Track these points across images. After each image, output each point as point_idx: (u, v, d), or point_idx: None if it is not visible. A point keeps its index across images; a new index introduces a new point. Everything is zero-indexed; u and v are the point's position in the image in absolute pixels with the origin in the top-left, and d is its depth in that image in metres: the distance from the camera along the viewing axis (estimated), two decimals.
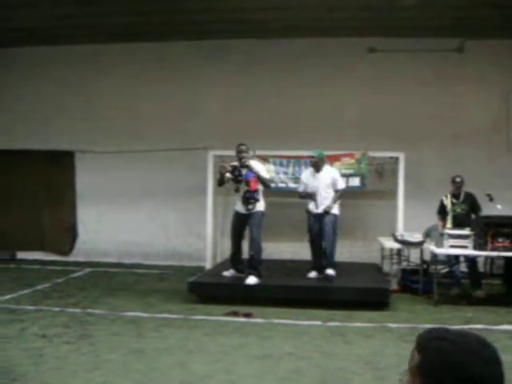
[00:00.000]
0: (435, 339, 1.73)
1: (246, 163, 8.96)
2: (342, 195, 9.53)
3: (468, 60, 12.06)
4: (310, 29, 11.73)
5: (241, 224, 9.22)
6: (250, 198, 8.99)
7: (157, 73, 12.76)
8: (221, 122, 12.49)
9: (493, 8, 10.21)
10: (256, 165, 9.17)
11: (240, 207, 9.15)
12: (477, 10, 10.30)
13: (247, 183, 9.00)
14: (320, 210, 9.33)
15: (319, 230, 9.40)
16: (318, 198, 9.34)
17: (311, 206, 9.47)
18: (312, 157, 9.49)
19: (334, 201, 9.34)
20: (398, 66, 12.16)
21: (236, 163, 9.11)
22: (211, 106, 12.70)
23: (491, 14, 10.58)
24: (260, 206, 9.09)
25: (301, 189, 9.66)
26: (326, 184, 9.38)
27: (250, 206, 9.00)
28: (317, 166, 9.46)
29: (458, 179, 9.83)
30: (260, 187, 9.09)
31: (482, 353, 1.62)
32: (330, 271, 9.32)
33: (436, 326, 1.85)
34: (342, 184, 9.56)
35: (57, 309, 8.31)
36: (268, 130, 12.09)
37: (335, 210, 9.39)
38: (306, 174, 9.76)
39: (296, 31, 11.91)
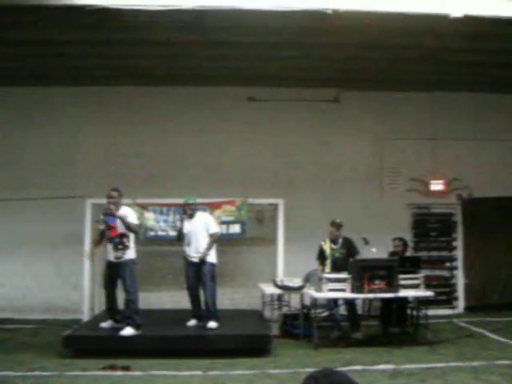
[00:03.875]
0: (309, 377, 1.75)
1: (110, 208, 8.84)
2: (217, 240, 9.49)
3: (344, 110, 12.58)
4: (191, 77, 11.80)
5: (112, 273, 8.99)
6: (118, 244, 8.85)
7: (32, 118, 12.26)
8: (100, 170, 12.18)
9: (365, 61, 10.70)
10: (127, 211, 9.06)
11: (110, 255, 8.97)
12: (350, 63, 10.75)
13: (109, 228, 8.88)
14: (196, 259, 9.27)
15: (195, 278, 9.34)
16: (193, 244, 9.32)
17: (187, 253, 9.39)
18: (187, 204, 9.43)
19: (209, 247, 9.28)
20: (277, 115, 12.48)
21: (107, 211, 9.03)
22: (90, 153, 12.39)
23: (363, 67, 11.08)
24: (130, 253, 8.93)
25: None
26: (199, 229, 9.36)
27: (119, 254, 8.83)
28: (190, 212, 9.44)
29: (338, 220, 10.20)
30: (129, 235, 8.95)
31: None
32: (212, 324, 9.15)
33: (318, 369, 1.86)
34: (214, 228, 9.51)
35: None
36: (148, 177, 11.95)
37: (212, 259, 9.35)
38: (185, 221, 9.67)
39: (178, 79, 11.94)
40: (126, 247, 8.86)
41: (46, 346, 9.29)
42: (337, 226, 10.21)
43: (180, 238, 9.56)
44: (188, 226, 9.44)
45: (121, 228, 8.87)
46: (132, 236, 9.00)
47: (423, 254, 12.28)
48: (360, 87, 12.35)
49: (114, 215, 8.83)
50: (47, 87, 12.12)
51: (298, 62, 10.76)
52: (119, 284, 9.04)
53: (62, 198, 11.77)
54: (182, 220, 9.58)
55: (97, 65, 10.97)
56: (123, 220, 8.82)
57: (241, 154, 12.43)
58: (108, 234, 8.95)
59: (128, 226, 8.89)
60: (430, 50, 10.01)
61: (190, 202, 9.47)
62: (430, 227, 12.94)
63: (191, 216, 9.46)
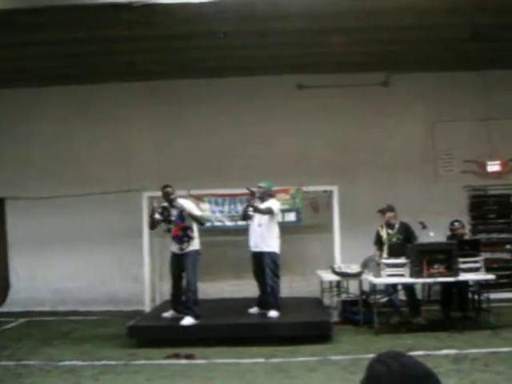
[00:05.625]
0: (376, 361, 1.74)
1: (175, 202, 8.97)
2: (270, 215, 9.20)
3: (394, 93, 12.44)
4: (239, 67, 11.85)
5: (177, 264, 9.13)
6: (183, 237, 8.97)
7: (88, 115, 12.58)
8: (154, 163, 12.41)
9: (413, 43, 10.58)
10: (186, 203, 9.17)
11: (174, 247, 9.12)
12: (399, 44, 10.64)
13: (176, 225, 9.01)
14: (254, 248, 9.29)
15: (255, 267, 9.38)
16: (253, 231, 9.32)
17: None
18: (258, 186, 9.40)
19: (260, 210, 9.12)
20: (327, 102, 12.40)
21: (165, 204, 9.14)
22: (144, 147, 12.63)
23: (412, 49, 10.97)
24: (194, 244, 9.05)
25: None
26: (262, 216, 9.26)
27: (184, 245, 8.97)
28: (258, 195, 9.32)
29: (385, 206, 10.14)
30: (193, 226, 9.07)
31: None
32: (273, 313, 9.17)
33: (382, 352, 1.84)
34: (273, 207, 9.25)
35: None
36: (202, 168, 12.07)
37: (273, 248, 9.26)
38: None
39: (226, 70, 12.01)
40: (190, 238, 9.00)
41: (111, 336, 9.52)
42: (384, 211, 10.10)
43: (244, 216, 9.58)
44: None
45: (187, 221, 9.01)
46: (195, 226, 9.12)
47: (482, 236, 12.05)
48: (410, 69, 12.18)
49: (182, 210, 8.97)
50: (103, 84, 12.39)
51: (345, 46, 10.67)
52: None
53: (118, 193, 12.04)
54: (249, 200, 9.45)
55: (147, 59, 11.17)
56: (190, 213, 8.98)
57: (292, 142, 12.43)
58: (172, 232, 9.10)
59: (195, 219, 9.06)
60: (480, 28, 9.81)
61: (260, 184, 9.38)
62: (487, 209, 12.72)
63: (262, 200, 9.35)
